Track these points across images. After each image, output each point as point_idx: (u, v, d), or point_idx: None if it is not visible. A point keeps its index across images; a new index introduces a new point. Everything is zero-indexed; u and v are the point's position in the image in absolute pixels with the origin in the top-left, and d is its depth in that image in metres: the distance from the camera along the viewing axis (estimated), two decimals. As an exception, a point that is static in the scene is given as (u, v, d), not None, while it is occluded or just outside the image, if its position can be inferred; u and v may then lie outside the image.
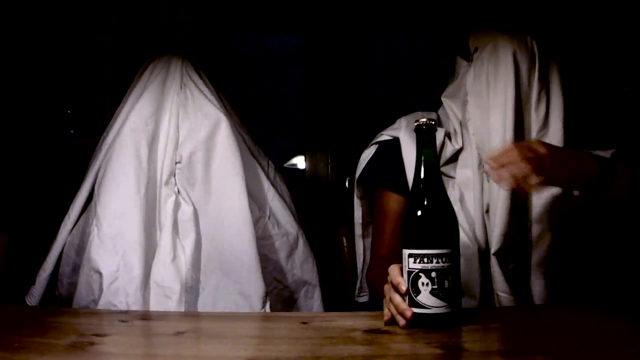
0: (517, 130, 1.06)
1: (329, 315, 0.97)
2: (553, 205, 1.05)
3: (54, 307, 1.19)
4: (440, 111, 1.26)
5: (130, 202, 1.22)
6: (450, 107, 1.21)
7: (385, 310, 0.85)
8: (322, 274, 1.40)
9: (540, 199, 1.05)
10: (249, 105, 2.52)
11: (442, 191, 0.87)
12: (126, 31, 2.10)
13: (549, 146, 0.92)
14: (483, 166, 1.11)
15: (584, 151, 1.00)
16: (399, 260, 0.87)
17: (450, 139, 1.17)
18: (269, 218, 1.35)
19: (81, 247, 1.22)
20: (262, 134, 1.56)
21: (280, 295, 1.32)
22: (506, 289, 1.04)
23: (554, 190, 1.04)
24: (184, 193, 1.28)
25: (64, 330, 0.82)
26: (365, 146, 1.32)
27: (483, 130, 1.11)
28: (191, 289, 1.19)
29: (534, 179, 0.86)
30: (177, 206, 1.26)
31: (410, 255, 0.81)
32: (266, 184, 1.40)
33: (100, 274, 1.15)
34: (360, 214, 1.34)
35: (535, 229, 1.05)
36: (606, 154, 1.05)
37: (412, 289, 0.80)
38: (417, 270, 0.80)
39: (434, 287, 0.79)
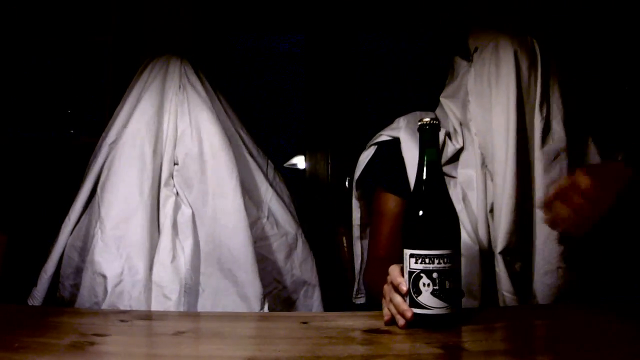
0: (520, 130, 1.06)
1: (329, 315, 0.97)
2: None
3: (54, 307, 1.19)
4: (437, 111, 1.26)
5: (134, 204, 1.22)
6: (449, 107, 1.21)
7: (385, 310, 0.85)
8: (322, 274, 1.40)
9: (542, 199, 1.04)
10: (249, 105, 2.52)
11: (445, 191, 0.87)
12: (126, 31, 2.09)
13: (589, 174, 0.89)
14: (486, 166, 1.12)
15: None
16: (396, 261, 0.87)
17: (450, 138, 1.17)
18: (267, 218, 1.35)
19: (84, 249, 1.22)
20: (262, 134, 1.56)
21: (280, 295, 1.32)
22: (511, 289, 1.04)
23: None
24: (182, 194, 1.28)
25: (64, 330, 0.82)
26: (365, 146, 1.31)
27: (486, 130, 1.11)
28: (190, 290, 1.19)
29: (587, 219, 0.87)
30: (177, 207, 1.26)
31: (411, 256, 0.81)
32: (264, 185, 1.40)
33: (104, 277, 1.15)
34: (358, 215, 1.33)
35: (540, 229, 1.05)
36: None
37: (413, 290, 0.80)
38: (418, 271, 0.80)
39: (435, 287, 0.79)
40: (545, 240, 1.04)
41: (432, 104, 1.29)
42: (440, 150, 1.12)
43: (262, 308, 1.18)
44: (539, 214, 1.05)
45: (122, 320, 0.89)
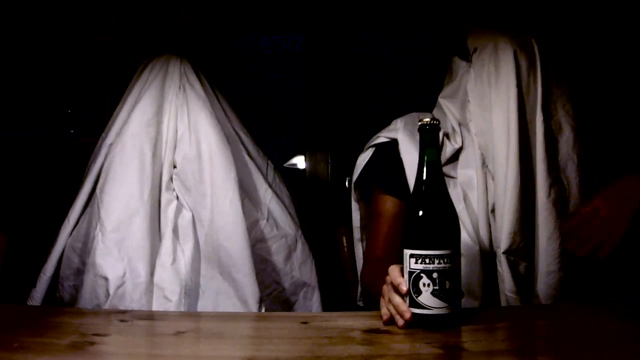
0: (522, 130, 1.06)
1: (329, 315, 0.97)
2: (559, 204, 1.06)
3: (54, 307, 1.19)
4: (435, 112, 1.26)
5: (134, 207, 1.22)
6: (448, 107, 1.21)
7: (384, 310, 0.85)
8: (321, 274, 1.40)
9: (546, 198, 1.05)
10: (248, 105, 2.52)
11: (445, 191, 0.87)
12: (126, 31, 2.09)
13: (606, 199, 0.92)
14: (487, 166, 1.12)
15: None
16: (394, 261, 0.87)
17: (449, 138, 1.17)
18: (267, 220, 1.35)
19: (84, 250, 1.22)
20: (262, 134, 1.56)
21: (279, 297, 1.32)
22: (514, 289, 1.04)
23: (560, 191, 1.05)
24: (182, 198, 1.28)
25: (64, 330, 0.82)
26: (364, 147, 1.31)
27: (486, 130, 1.11)
28: (191, 292, 1.19)
29: (610, 241, 0.91)
30: (178, 211, 1.26)
31: (411, 256, 0.81)
32: (264, 186, 1.39)
33: (106, 279, 1.15)
34: (358, 217, 1.33)
35: (542, 229, 1.05)
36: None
37: (413, 290, 0.80)
38: (418, 271, 0.80)
39: (435, 287, 0.79)
40: (547, 241, 1.04)
41: (431, 104, 1.29)
42: (440, 151, 1.13)
43: (259, 310, 1.18)
44: (541, 214, 1.05)
45: (122, 320, 0.89)
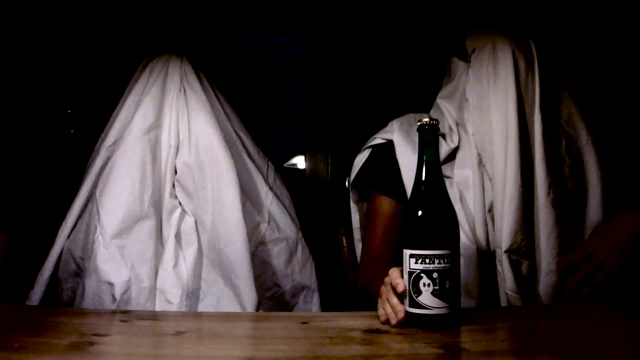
0: (521, 130, 1.06)
1: (329, 315, 0.97)
2: (559, 203, 1.06)
3: (54, 307, 1.19)
4: (432, 112, 1.26)
5: (135, 213, 1.22)
6: (445, 107, 1.21)
7: (381, 311, 0.86)
8: (321, 274, 1.40)
9: (546, 197, 1.05)
10: (249, 105, 2.52)
11: (444, 191, 0.87)
12: (126, 31, 2.09)
13: (601, 240, 0.97)
14: (484, 166, 1.12)
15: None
16: (389, 261, 0.88)
17: (445, 138, 1.18)
18: (268, 223, 1.35)
19: (83, 253, 1.20)
20: (262, 134, 1.55)
21: (280, 299, 1.32)
22: (515, 289, 1.04)
23: (560, 190, 1.06)
24: (184, 203, 1.28)
25: (64, 330, 0.82)
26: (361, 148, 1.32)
27: (485, 130, 1.11)
28: (192, 295, 1.19)
29: (606, 276, 0.95)
30: (181, 217, 1.26)
31: (411, 256, 0.81)
32: (264, 189, 1.39)
33: (111, 284, 1.15)
34: (357, 217, 1.34)
35: (542, 229, 1.05)
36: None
37: (413, 290, 0.80)
38: (418, 271, 0.80)
39: (435, 287, 0.79)
40: (546, 241, 1.05)
41: (431, 104, 1.29)
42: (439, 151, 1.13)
43: None
44: (541, 214, 1.05)
45: (122, 320, 0.89)
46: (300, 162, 2.44)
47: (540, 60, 1.09)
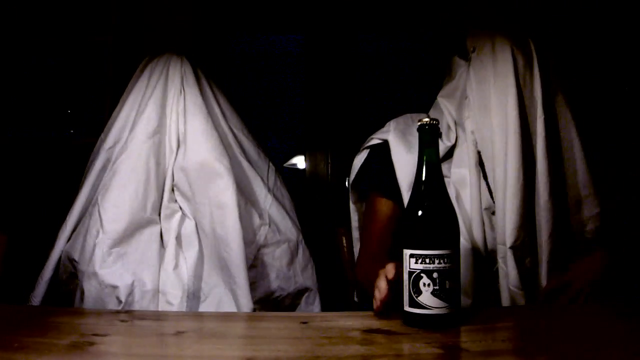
0: (521, 127, 1.07)
1: (329, 315, 0.97)
2: (560, 202, 1.07)
3: (54, 307, 1.18)
4: (431, 111, 1.27)
5: (138, 218, 1.22)
6: (445, 106, 1.22)
7: (375, 299, 0.88)
8: (321, 274, 1.40)
9: (547, 195, 1.06)
10: (248, 105, 2.52)
11: (445, 191, 0.87)
12: (126, 31, 2.10)
13: (576, 274, 1.07)
14: (482, 164, 1.13)
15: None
16: (386, 260, 0.88)
17: (441, 137, 1.19)
18: (269, 226, 1.35)
19: (81, 256, 1.20)
20: (262, 134, 1.55)
21: (284, 302, 1.32)
22: (519, 285, 1.04)
23: (561, 188, 1.07)
24: (184, 207, 1.28)
25: (64, 330, 0.82)
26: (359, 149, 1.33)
27: (485, 129, 1.12)
28: (193, 296, 1.19)
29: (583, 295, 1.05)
30: (182, 221, 1.26)
31: (411, 256, 0.81)
32: (263, 192, 1.38)
33: (114, 287, 1.15)
34: (357, 217, 1.34)
35: (543, 225, 1.06)
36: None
37: (413, 290, 0.80)
38: (418, 271, 0.80)
39: (435, 287, 0.79)
40: (547, 238, 1.06)
41: (431, 104, 1.30)
42: (439, 151, 1.13)
43: None
44: (542, 211, 1.06)
45: (122, 320, 0.89)
46: (300, 162, 2.44)
47: (540, 59, 1.10)
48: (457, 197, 1.13)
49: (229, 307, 1.20)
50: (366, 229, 1.25)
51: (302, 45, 2.42)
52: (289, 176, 2.11)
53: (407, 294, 0.81)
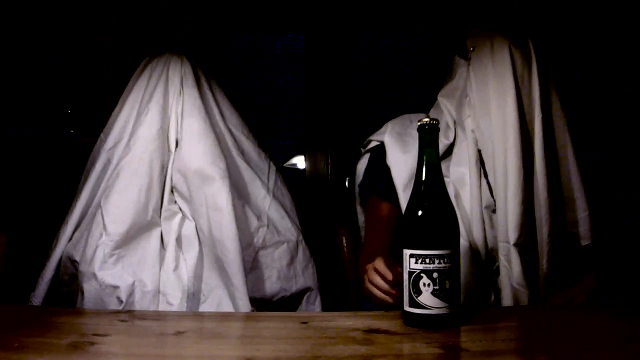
0: (521, 125, 1.07)
1: (329, 315, 0.97)
2: (559, 200, 1.07)
3: (54, 306, 1.18)
4: (431, 111, 1.27)
5: (141, 220, 1.22)
6: (445, 105, 1.23)
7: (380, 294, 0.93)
8: (322, 274, 1.40)
9: (547, 194, 1.06)
10: (249, 105, 2.51)
11: (445, 191, 0.87)
12: (126, 31, 2.09)
13: (571, 291, 1.11)
14: (482, 163, 1.14)
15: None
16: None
17: (440, 135, 1.19)
18: (268, 227, 1.34)
19: (82, 257, 1.20)
20: (262, 134, 1.54)
21: (286, 303, 1.32)
22: (523, 282, 1.05)
23: (560, 187, 1.09)
24: (183, 208, 1.28)
25: (64, 330, 0.82)
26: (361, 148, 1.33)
27: (485, 128, 1.12)
28: (193, 297, 1.19)
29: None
30: (182, 222, 1.26)
31: (411, 256, 0.81)
32: (262, 192, 1.38)
33: (115, 287, 1.15)
34: (363, 218, 1.37)
35: (543, 224, 1.06)
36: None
37: (413, 290, 0.80)
38: (418, 271, 0.80)
39: (435, 287, 0.79)
40: (547, 237, 1.07)
41: (431, 104, 1.30)
42: (439, 151, 1.14)
43: None
44: (542, 210, 1.07)
45: (122, 320, 0.89)
46: (300, 162, 2.44)
47: (539, 58, 1.11)
48: (457, 196, 1.13)
49: (229, 308, 1.20)
50: (367, 232, 1.29)
51: (302, 45, 2.42)
52: (289, 176, 2.10)
53: (407, 294, 0.81)
